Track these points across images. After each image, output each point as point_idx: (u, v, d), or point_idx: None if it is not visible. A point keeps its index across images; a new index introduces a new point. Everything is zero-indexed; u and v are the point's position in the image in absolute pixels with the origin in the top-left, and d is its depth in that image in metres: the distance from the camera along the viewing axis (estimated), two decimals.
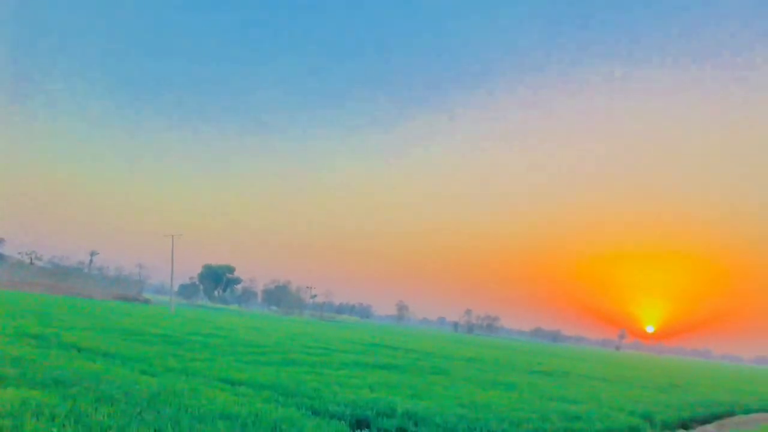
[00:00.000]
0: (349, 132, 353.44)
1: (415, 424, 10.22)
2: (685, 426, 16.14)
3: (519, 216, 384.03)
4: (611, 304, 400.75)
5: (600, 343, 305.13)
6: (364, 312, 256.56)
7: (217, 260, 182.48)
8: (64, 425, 7.33)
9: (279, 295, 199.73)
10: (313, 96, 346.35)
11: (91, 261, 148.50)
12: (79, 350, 16.51)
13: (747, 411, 21.49)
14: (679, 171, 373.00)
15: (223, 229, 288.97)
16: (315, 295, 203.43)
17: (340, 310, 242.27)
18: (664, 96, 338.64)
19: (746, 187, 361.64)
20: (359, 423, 10.14)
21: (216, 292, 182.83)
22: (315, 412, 10.36)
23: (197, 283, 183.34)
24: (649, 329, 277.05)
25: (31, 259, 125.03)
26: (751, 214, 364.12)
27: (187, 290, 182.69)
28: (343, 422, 9.69)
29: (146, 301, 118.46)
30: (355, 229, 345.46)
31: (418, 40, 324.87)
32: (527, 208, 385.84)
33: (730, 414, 19.74)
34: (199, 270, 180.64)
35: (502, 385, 19.31)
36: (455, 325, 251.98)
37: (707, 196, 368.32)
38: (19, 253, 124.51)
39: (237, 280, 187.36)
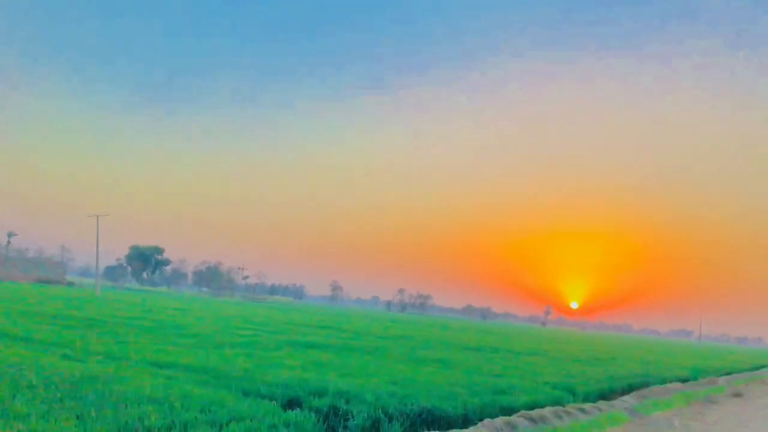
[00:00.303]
0: (279, 110, 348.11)
1: (347, 402, 10.30)
2: (605, 397, 16.91)
3: (450, 196, 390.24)
4: (538, 281, 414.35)
5: (527, 320, 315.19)
6: (297, 293, 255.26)
7: (145, 241, 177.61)
8: None
9: (210, 277, 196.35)
10: (249, 71, 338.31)
11: (8, 242, 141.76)
12: None
13: (663, 381, 22.69)
14: (598, 154, 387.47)
15: (151, 209, 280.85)
16: (247, 276, 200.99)
17: (273, 291, 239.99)
18: (587, 82, 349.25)
19: (656, 169, 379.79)
20: (291, 403, 10.13)
21: (144, 274, 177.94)
22: (246, 393, 10.28)
23: (124, 264, 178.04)
24: (574, 305, 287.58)
25: None
26: (662, 189, 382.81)
27: (113, 272, 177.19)
28: (274, 402, 9.66)
29: (70, 284, 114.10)
30: (287, 209, 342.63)
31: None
32: (458, 188, 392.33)
33: (648, 384, 20.79)
34: (126, 251, 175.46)
35: (433, 362, 19.69)
36: (388, 304, 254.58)
37: (624, 178, 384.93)
38: None
39: (166, 262, 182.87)
